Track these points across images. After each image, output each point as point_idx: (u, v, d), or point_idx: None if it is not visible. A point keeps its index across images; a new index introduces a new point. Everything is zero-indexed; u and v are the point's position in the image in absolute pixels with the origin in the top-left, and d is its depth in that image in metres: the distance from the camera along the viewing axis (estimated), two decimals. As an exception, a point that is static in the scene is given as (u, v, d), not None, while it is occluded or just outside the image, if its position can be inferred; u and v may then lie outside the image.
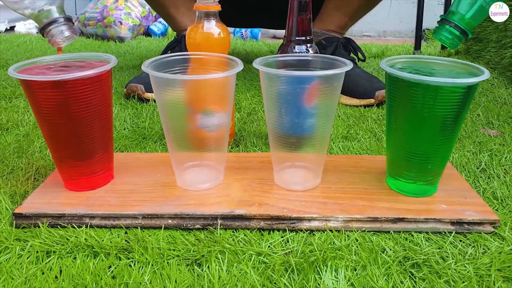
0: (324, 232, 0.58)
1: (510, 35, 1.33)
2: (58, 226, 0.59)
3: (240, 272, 0.51)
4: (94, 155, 0.63)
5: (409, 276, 0.51)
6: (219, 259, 0.53)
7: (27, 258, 0.53)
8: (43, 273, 0.51)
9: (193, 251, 0.54)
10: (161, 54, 0.67)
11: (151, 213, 0.59)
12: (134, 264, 0.52)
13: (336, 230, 0.58)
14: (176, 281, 0.50)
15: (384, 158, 0.68)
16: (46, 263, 0.53)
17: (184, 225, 0.59)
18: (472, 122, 0.97)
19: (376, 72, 1.43)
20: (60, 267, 0.52)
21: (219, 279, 0.50)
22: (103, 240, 0.56)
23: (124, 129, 0.94)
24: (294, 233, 0.58)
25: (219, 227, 0.58)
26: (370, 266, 0.52)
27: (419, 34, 1.79)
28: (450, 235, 0.57)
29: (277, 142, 0.64)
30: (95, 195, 0.63)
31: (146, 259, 0.53)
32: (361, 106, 1.09)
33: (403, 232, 0.58)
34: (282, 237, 0.57)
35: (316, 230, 0.58)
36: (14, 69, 0.58)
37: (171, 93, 0.60)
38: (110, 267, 0.52)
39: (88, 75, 0.58)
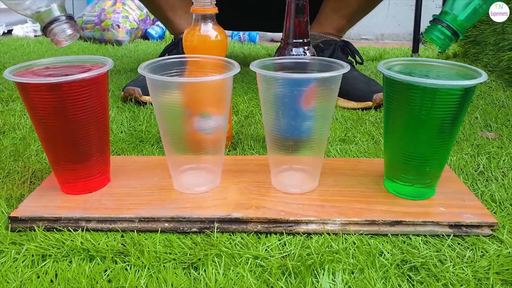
0: (321, 235, 0.57)
1: (508, 38, 1.33)
2: (54, 230, 0.58)
3: (237, 276, 0.51)
4: (91, 158, 0.63)
5: (407, 279, 0.51)
6: (215, 263, 0.53)
7: (23, 262, 0.53)
8: (38, 277, 0.51)
9: (189, 255, 0.54)
10: (159, 57, 0.67)
11: (147, 216, 0.59)
12: (130, 268, 0.52)
13: (333, 233, 0.58)
14: (172, 285, 0.49)
15: (381, 161, 0.67)
16: (41, 267, 0.52)
17: (181, 228, 0.58)
18: (470, 124, 0.97)
19: (374, 75, 1.43)
20: (56, 271, 0.52)
21: (215, 282, 0.50)
22: (99, 244, 0.56)
23: (121, 132, 0.94)
24: (292, 236, 0.58)
25: (216, 230, 0.58)
26: (368, 270, 0.51)
27: (417, 37, 1.79)
28: (448, 238, 0.57)
29: (274, 145, 0.63)
30: (91, 199, 0.63)
31: (142, 262, 0.53)
32: (358, 109, 1.09)
33: (401, 235, 0.58)
34: (279, 240, 0.57)
35: (313, 233, 0.58)
36: (9, 72, 0.58)
37: (168, 95, 0.60)
38: (106, 270, 0.52)
39: (84, 77, 0.57)
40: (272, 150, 0.64)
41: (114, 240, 0.57)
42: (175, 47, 1.21)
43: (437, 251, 0.55)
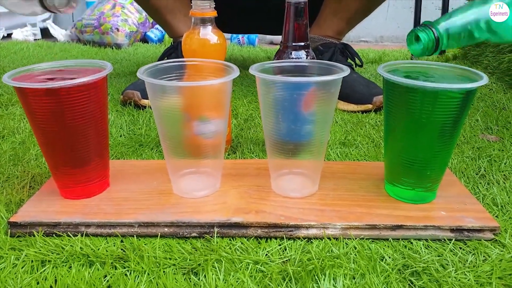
0: (322, 240, 0.57)
1: (508, 40, 1.33)
2: (54, 235, 0.58)
3: (237, 281, 0.50)
4: (90, 162, 0.63)
5: (409, 284, 0.50)
6: (215, 268, 0.52)
7: (22, 268, 0.53)
8: (38, 283, 0.51)
9: (189, 260, 0.54)
10: (158, 61, 0.67)
11: (147, 221, 0.58)
12: (130, 273, 0.52)
13: (334, 238, 0.57)
14: (172, 291, 0.49)
15: (382, 165, 0.67)
16: (41, 273, 0.52)
17: (181, 233, 0.58)
18: (471, 127, 0.97)
19: (374, 77, 1.43)
20: (55, 277, 0.51)
21: (216, 288, 0.50)
22: (98, 249, 0.55)
23: (121, 136, 0.94)
24: (292, 241, 0.58)
25: (215, 235, 0.58)
26: (369, 275, 0.51)
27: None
28: (450, 243, 0.57)
29: (274, 148, 0.63)
30: (90, 203, 0.63)
31: (142, 268, 0.52)
32: (358, 111, 1.09)
33: (402, 239, 0.58)
34: (279, 245, 0.57)
35: (314, 238, 0.58)
36: (8, 77, 0.58)
37: (167, 100, 0.59)
38: (105, 276, 0.52)
39: (83, 82, 0.57)
40: (272, 154, 0.64)
41: (114, 245, 0.57)
42: (174, 50, 1.20)
43: (438, 256, 0.54)
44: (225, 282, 0.50)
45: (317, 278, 0.51)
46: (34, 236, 0.57)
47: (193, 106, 0.62)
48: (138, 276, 0.51)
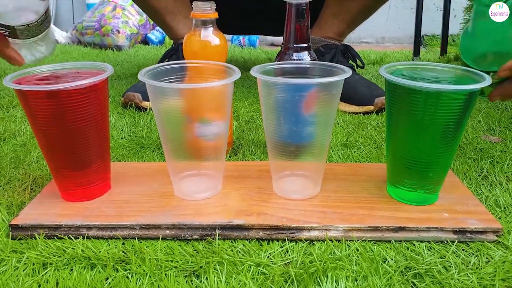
0: (324, 242, 0.57)
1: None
2: (55, 238, 0.58)
3: (239, 284, 0.50)
4: (91, 165, 0.62)
5: (411, 286, 0.50)
6: (217, 270, 0.52)
7: (23, 270, 0.53)
8: (39, 286, 0.50)
9: (191, 262, 0.54)
10: (158, 63, 0.67)
11: (148, 223, 0.58)
12: (132, 276, 0.52)
13: (336, 240, 0.57)
14: (174, 294, 0.49)
15: (384, 166, 0.67)
16: (42, 275, 0.52)
17: (182, 235, 0.58)
18: (473, 128, 0.97)
19: (375, 78, 1.42)
20: (57, 279, 0.51)
21: (217, 291, 0.49)
22: (100, 252, 0.55)
23: (122, 138, 0.94)
24: (294, 243, 0.57)
25: (217, 238, 0.57)
26: (371, 277, 0.51)
27: (418, 40, 1.79)
28: (453, 244, 0.56)
29: (275, 150, 0.63)
30: (92, 206, 0.63)
31: (144, 270, 0.52)
32: (360, 113, 1.09)
33: (404, 241, 0.57)
34: (281, 247, 0.57)
35: (316, 240, 0.58)
36: (9, 79, 0.58)
37: (168, 102, 0.59)
38: (107, 279, 0.51)
39: (84, 84, 0.57)
40: (273, 156, 0.64)
41: (115, 247, 0.57)
42: (175, 52, 1.20)
43: (441, 258, 0.54)
44: (227, 285, 0.50)
45: (319, 280, 0.50)
46: (35, 238, 0.57)
47: (194, 108, 0.61)
48: (140, 279, 0.51)
